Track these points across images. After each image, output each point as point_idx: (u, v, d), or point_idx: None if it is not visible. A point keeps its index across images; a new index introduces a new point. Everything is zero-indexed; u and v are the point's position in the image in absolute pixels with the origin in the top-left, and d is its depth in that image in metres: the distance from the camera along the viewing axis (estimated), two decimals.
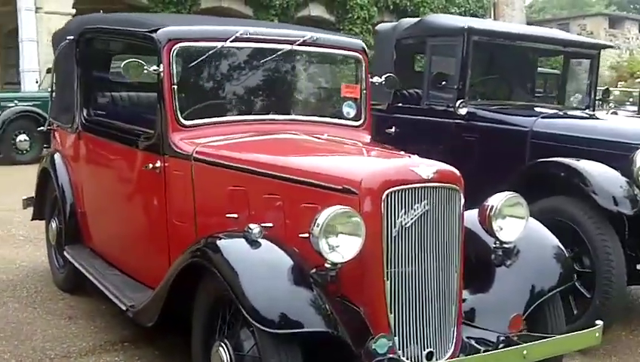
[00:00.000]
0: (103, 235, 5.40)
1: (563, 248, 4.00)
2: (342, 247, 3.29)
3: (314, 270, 3.32)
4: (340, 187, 3.52)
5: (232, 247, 3.44)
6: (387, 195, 3.39)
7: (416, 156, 3.62)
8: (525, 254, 3.89)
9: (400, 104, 7.45)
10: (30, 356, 4.67)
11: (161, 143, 4.38)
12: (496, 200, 3.78)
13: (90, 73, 5.43)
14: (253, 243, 3.38)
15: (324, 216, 3.24)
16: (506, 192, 3.82)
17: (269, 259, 3.36)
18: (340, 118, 4.98)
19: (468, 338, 3.66)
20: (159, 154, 4.40)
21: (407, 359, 3.43)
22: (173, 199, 4.39)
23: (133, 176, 4.79)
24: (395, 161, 3.73)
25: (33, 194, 6.46)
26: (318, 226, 3.22)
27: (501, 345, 3.58)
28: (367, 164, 3.76)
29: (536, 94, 8.52)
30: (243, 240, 3.41)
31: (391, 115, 7.48)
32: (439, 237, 3.51)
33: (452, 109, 6.63)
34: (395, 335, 3.41)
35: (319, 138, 4.38)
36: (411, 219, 3.43)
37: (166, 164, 4.38)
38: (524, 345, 3.48)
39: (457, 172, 3.65)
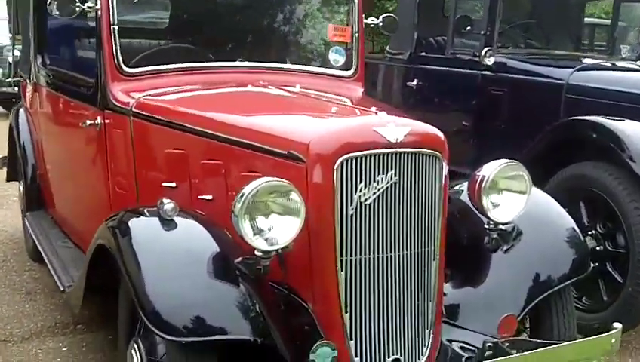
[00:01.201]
0: (58, 201, 4.77)
1: (577, 229, 3.19)
2: (274, 231, 2.56)
3: (239, 259, 2.60)
4: (285, 152, 2.78)
5: (140, 228, 2.74)
6: (342, 163, 2.62)
7: (384, 113, 2.82)
8: (527, 237, 3.09)
9: (423, 53, 6.61)
10: None
11: (99, 95, 3.68)
12: (489, 169, 2.96)
13: (45, 15, 4.72)
14: (165, 224, 2.67)
15: (248, 189, 2.51)
16: (503, 160, 3.00)
17: (182, 244, 2.65)
18: (326, 67, 4.18)
19: (449, 341, 2.92)
20: (98, 108, 3.71)
21: None
22: (114, 162, 3.71)
23: (77, 135, 4.10)
24: (354, 120, 2.93)
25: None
26: (240, 202, 2.49)
27: (487, 353, 2.81)
28: (319, 123, 2.99)
29: (583, 45, 7.54)
30: (156, 218, 2.70)
31: (413, 66, 6.66)
32: (411, 216, 2.74)
33: (478, 59, 5.77)
34: (351, 339, 2.69)
35: (287, 91, 3.60)
36: (373, 193, 2.66)
37: (106, 121, 3.68)
38: (515, 355, 2.72)
39: (439, 133, 2.85)
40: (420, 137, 2.77)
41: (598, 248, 4.29)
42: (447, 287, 2.99)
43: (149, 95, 3.54)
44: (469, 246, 3.14)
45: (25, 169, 5.11)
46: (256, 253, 2.57)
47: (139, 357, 2.69)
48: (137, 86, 3.63)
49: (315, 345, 2.53)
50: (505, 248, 3.07)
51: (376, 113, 2.84)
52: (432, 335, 2.83)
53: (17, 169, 5.65)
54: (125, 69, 3.63)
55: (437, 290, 2.85)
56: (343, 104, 3.38)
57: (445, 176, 2.84)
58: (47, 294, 4.79)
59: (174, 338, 2.43)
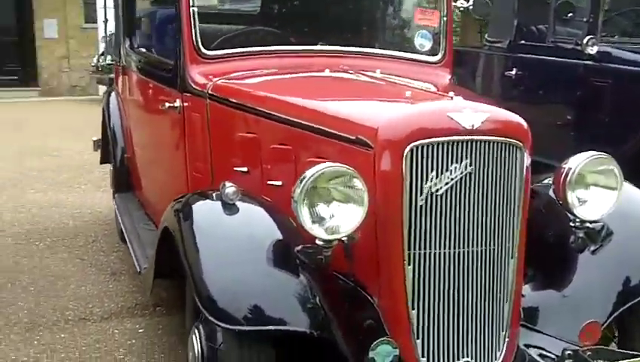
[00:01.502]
0: (143, 184, 4.79)
1: None
2: (335, 219, 2.43)
3: (299, 247, 2.49)
4: (353, 137, 2.65)
5: (201, 211, 2.68)
6: (412, 150, 2.46)
7: (460, 98, 2.64)
8: (618, 238, 2.84)
9: (523, 41, 6.32)
10: (46, 316, 4.18)
11: (178, 78, 3.65)
12: (575, 162, 2.73)
13: None
14: (227, 208, 2.59)
15: (309, 174, 2.39)
16: (591, 152, 2.76)
17: (242, 229, 2.57)
18: (412, 52, 4.00)
19: (526, 346, 2.72)
20: (178, 91, 3.68)
21: None
22: (191, 146, 3.67)
23: (159, 118, 4.10)
24: (427, 105, 2.74)
25: None
26: (299, 187, 2.38)
27: (567, 361, 2.60)
28: (390, 108, 2.83)
29: None
30: (218, 202, 2.63)
31: (512, 55, 6.40)
32: (487, 209, 2.55)
33: (580, 48, 5.46)
34: (417, 338, 2.53)
35: (365, 75, 3.46)
36: (445, 184, 2.49)
37: (185, 104, 3.64)
38: None
39: (521, 121, 2.64)
40: (500, 125, 2.57)
41: None
42: (526, 288, 2.78)
43: (227, 78, 3.48)
44: (553, 245, 2.92)
45: (114, 151, 5.18)
46: (317, 241, 2.45)
47: (199, 342, 2.62)
48: (216, 69, 3.58)
49: (375, 343, 2.39)
50: (592, 248, 2.83)
51: (451, 98, 2.66)
52: (507, 339, 2.64)
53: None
54: (204, 51, 3.57)
55: (514, 291, 2.65)
56: (420, 89, 3.20)
57: (527, 167, 2.64)
58: (131, 275, 4.83)
59: (228, 326, 2.36)
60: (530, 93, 6.11)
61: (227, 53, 3.64)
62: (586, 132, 5.50)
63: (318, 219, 2.41)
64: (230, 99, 3.32)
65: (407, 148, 2.46)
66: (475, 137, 2.50)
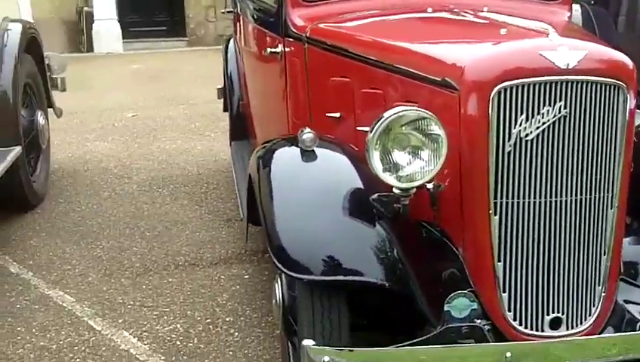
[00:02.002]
0: (255, 132, 4.80)
1: None
2: (410, 167, 2.33)
3: (375, 196, 2.40)
4: (438, 79, 2.51)
5: (279, 158, 2.63)
6: (499, 92, 2.31)
7: (555, 34, 2.43)
8: None
9: None
10: (157, 260, 4.30)
11: (281, 21, 3.59)
12: None
13: None
14: (305, 155, 2.53)
15: (385, 116, 2.29)
16: None
17: (319, 176, 2.51)
18: None
19: (626, 302, 2.51)
20: (280, 35, 3.62)
21: (521, 325, 2.41)
22: (292, 91, 3.62)
23: (264, 64, 4.08)
24: (519, 43, 2.52)
25: None
26: (372, 132, 2.28)
27: None
28: (478, 47, 2.64)
29: None
30: (297, 150, 2.57)
31: None
32: (584, 156, 2.36)
33: None
34: (504, 291, 2.40)
35: (469, 14, 3.24)
36: (536, 128, 2.32)
37: (286, 49, 3.59)
38: None
39: (625, 59, 2.41)
40: (599, 63, 2.35)
41: None
42: (625, 241, 2.56)
43: (326, 21, 3.38)
44: None
45: (231, 99, 5.22)
46: (394, 190, 2.36)
47: (280, 289, 2.62)
48: (317, 12, 3.48)
49: (452, 295, 2.29)
50: None
51: (547, 35, 2.45)
52: (603, 294, 2.45)
53: None
54: None
55: (613, 243, 2.45)
56: (519, 26, 2.95)
57: (631, 109, 2.41)
58: None
59: (298, 276, 2.32)
60: None
61: None
62: None
63: (393, 166, 2.31)
64: (326, 42, 3.23)
65: (495, 90, 2.31)
66: (571, 77, 2.31)
